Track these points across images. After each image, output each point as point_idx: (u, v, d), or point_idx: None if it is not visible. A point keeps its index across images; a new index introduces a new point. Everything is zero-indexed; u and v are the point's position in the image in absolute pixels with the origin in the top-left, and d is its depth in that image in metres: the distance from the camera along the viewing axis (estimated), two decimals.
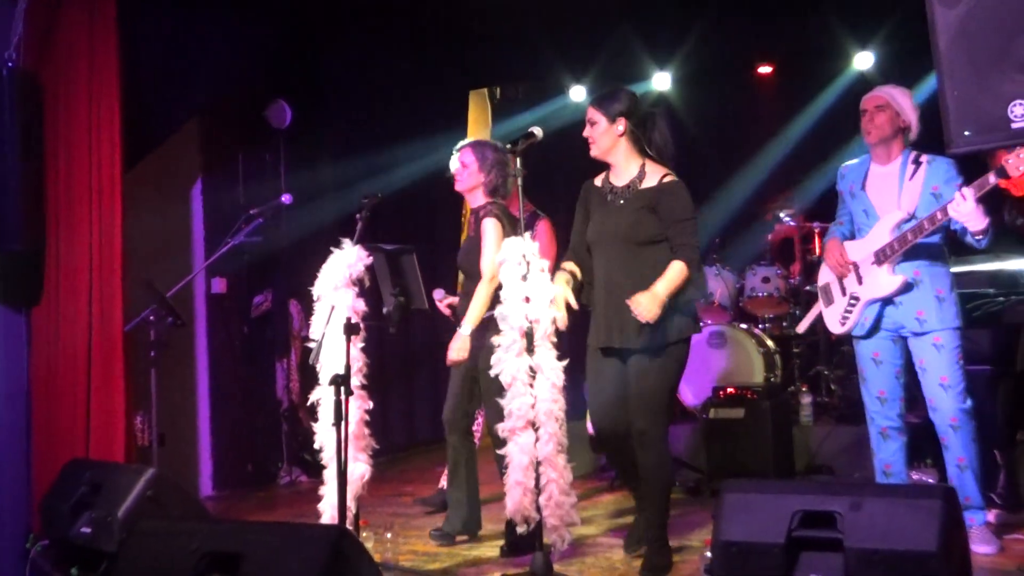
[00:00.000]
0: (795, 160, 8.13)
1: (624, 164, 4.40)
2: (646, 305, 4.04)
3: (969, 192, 4.05)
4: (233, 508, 6.37)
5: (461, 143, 5.08)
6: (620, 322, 4.23)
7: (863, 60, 7.91)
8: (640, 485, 4.45)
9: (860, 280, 4.54)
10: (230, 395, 7.09)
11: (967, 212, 4.06)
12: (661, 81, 8.56)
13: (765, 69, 8.65)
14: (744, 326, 6.89)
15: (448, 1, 7.29)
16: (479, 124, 9.43)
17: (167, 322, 5.42)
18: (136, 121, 5.79)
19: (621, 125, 4.35)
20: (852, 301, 4.57)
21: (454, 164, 5.03)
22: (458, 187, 5.02)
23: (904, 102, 4.51)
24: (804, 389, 6.62)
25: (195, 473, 6.90)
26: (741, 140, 8.62)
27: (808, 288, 7.12)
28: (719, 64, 8.53)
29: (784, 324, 7.26)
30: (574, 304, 4.32)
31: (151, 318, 5.38)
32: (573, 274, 4.43)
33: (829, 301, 4.73)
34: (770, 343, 6.85)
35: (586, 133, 4.40)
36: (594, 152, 4.42)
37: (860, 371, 4.63)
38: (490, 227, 4.84)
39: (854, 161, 4.75)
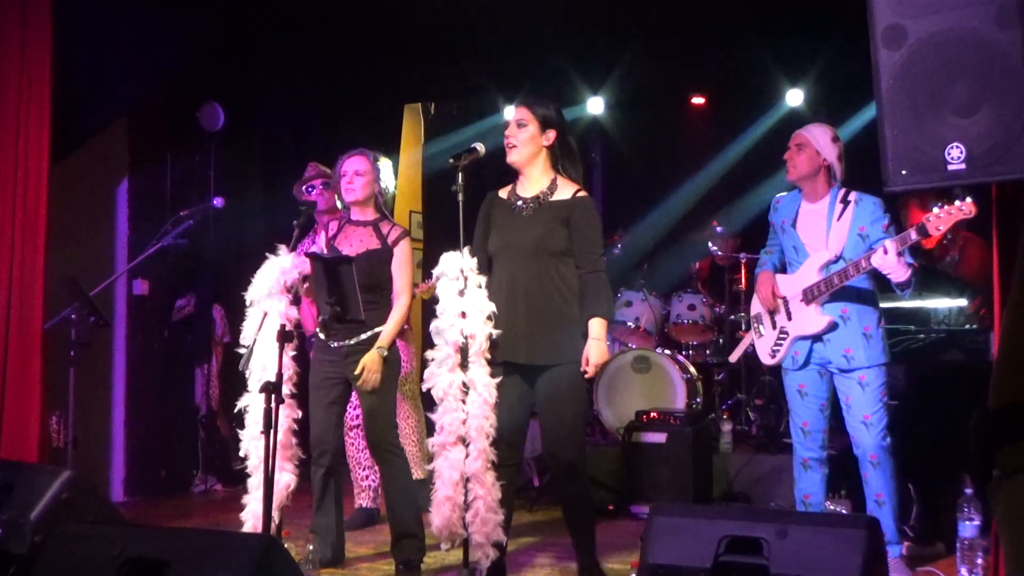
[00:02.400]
0: (725, 190, 8.28)
1: (537, 176, 4.35)
2: (597, 357, 4.12)
3: (891, 246, 4.18)
4: (146, 515, 6.22)
5: (350, 152, 4.85)
6: (528, 336, 4.20)
7: (794, 97, 8.07)
8: (568, 517, 4.43)
9: (789, 316, 4.63)
10: (147, 399, 6.95)
11: (889, 264, 4.20)
12: (594, 106, 8.63)
13: (698, 100, 8.80)
14: (668, 352, 6.97)
15: (386, 15, 7.26)
16: (411, 139, 9.43)
17: (89, 322, 5.31)
18: (64, 115, 5.66)
19: (551, 136, 4.32)
20: (782, 335, 4.67)
21: (350, 168, 4.77)
22: (350, 197, 4.75)
23: (824, 141, 4.60)
24: (725, 417, 6.72)
25: (107, 478, 6.74)
26: (673, 167, 8.75)
27: (732, 317, 7.23)
28: (652, 92, 8.65)
29: (707, 352, 7.37)
30: None
31: (73, 317, 5.28)
32: None
33: (760, 333, 4.81)
34: (693, 370, 6.93)
35: (511, 134, 4.30)
36: (513, 157, 4.30)
37: (788, 402, 4.74)
38: (408, 247, 4.77)
39: (786, 194, 4.85)
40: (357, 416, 5.45)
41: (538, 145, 4.31)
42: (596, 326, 4.17)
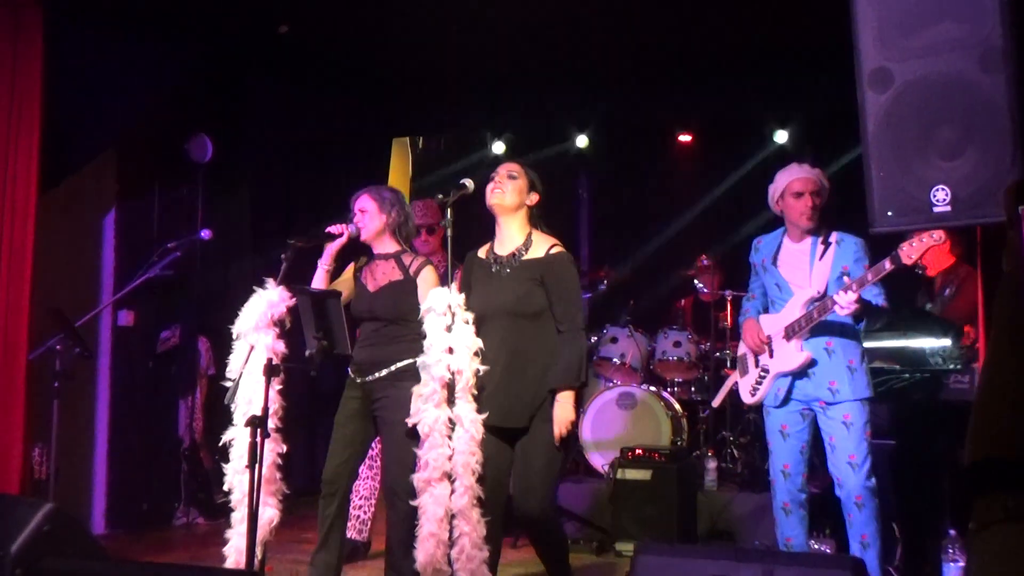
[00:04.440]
0: (712, 227, 8.33)
1: (515, 230, 4.37)
2: (560, 422, 4.13)
3: (854, 286, 4.22)
4: (127, 548, 6.17)
5: (360, 191, 4.87)
6: (509, 400, 4.21)
7: (781, 136, 8.15)
8: (541, 556, 4.42)
9: (771, 353, 4.66)
10: (130, 431, 6.91)
11: (847, 302, 4.22)
12: (581, 142, 8.69)
13: (685, 137, 8.87)
14: (653, 389, 6.97)
15: (375, 49, 7.32)
16: (399, 172, 9.46)
17: (74, 352, 5.29)
18: (52, 146, 5.68)
19: (534, 198, 4.38)
20: (763, 373, 4.69)
21: (356, 206, 4.79)
22: (364, 236, 4.75)
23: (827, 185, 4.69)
24: (710, 454, 6.71)
25: (88, 510, 6.68)
26: (659, 204, 8.81)
27: (718, 354, 7.25)
28: (639, 129, 8.74)
29: (692, 389, 7.37)
30: None
31: (57, 347, 5.25)
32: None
33: (744, 371, 4.83)
34: (678, 407, 6.93)
35: (501, 182, 4.33)
36: (496, 200, 4.31)
37: (768, 442, 4.75)
38: (433, 274, 4.70)
39: (768, 235, 4.89)
40: None
41: (522, 200, 4.35)
42: (563, 394, 4.16)
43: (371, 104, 8.26)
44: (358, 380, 4.64)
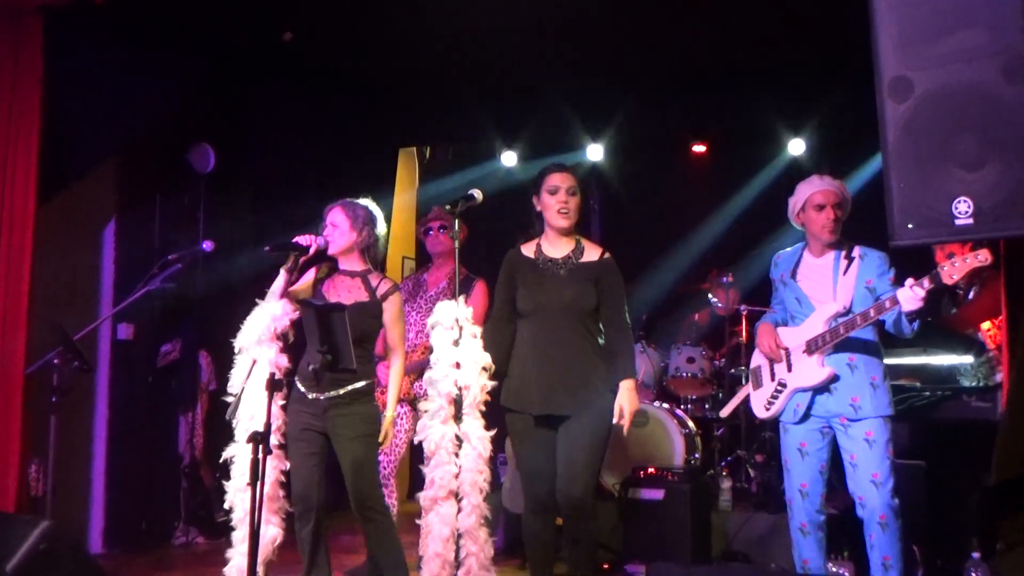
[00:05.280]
0: (727, 240, 8.32)
1: (568, 238, 4.60)
2: (631, 404, 4.42)
3: (921, 287, 4.15)
4: (125, 568, 6.17)
5: (333, 203, 4.87)
6: (560, 389, 4.38)
7: (796, 146, 8.14)
8: (571, 554, 4.49)
9: (790, 367, 4.64)
10: (129, 447, 6.90)
11: (915, 300, 4.16)
12: (594, 152, 8.68)
13: (699, 148, 8.86)
14: (666, 406, 6.96)
15: (380, 56, 7.33)
16: (406, 182, 9.46)
17: (72, 366, 5.29)
18: (51, 155, 5.68)
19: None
20: (779, 387, 4.66)
21: (329, 219, 4.81)
22: (331, 251, 4.75)
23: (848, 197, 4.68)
24: (724, 473, 6.69)
25: (85, 528, 6.67)
26: (674, 217, 8.80)
27: (732, 371, 7.24)
28: (653, 139, 8.74)
29: (706, 406, 7.36)
30: None
31: (55, 361, 5.25)
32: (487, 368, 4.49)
33: (758, 384, 4.81)
34: (692, 424, 6.91)
35: (568, 202, 4.53)
36: (565, 223, 4.55)
37: (784, 460, 4.72)
38: (399, 301, 4.74)
39: (788, 249, 4.87)
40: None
41: (581, 213, 4.62)
42: (627, 383, 4.47)
43: (377, 113, 8.28)
44: (310, 396, 4.59)
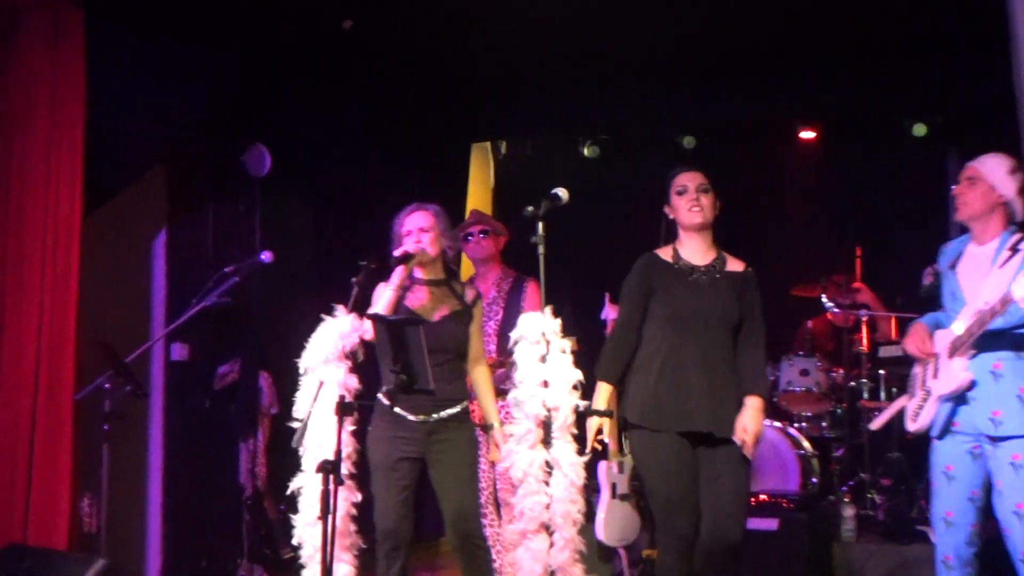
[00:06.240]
0: (843, 238, 8.18)
1: (707, 246, 4.72)
2: (755, 426, 4.46)
3: None
4: None
5: (410, 208, 4.94)
6: (702, 404, 4.43)
7: (918, 130, 8.00)
8: None
9: (935, 373, 4.52)
10: (185, 478, 6.99)
11: None
12: (689, 143, 8.63)
13: (807, 134, 8.76)
14: (778, 424, 6.88)
15: (449, 44, 7.34)
16: (479, 182, 9.48)
17: (124, 391, 5.39)
18: (97, 163, 5.78)
19: (718, 206, 4.71)
20: (925, 396, 4.56)
21: (413, 224, 4.85)
22: (432, 249, 4.81)
23: (1000, 174, 4.45)
24: (846, 500, 6.59)
25: (141, 566, 6.79)
26: (779, 212, 8.70)
27: (852, 384, 7.13)
28: (754, 126, 8.66)
29: (824, 424, 7.26)
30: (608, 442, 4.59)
31: (106, 386, 5.35)
32: (610, 415, 4.54)
33: (912, 394, 4.70)
34: (807, 445, 6.83)
35: (696, 199, 4.64)
36: (700, 219, 4.65)
37: (931, 482, 4.60)
38: (482, 309, 4.87)
39: (956, 239, 4.73)
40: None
41: (714, 213, 4.70)
42: (756, 401, 4.53)
43: (446, 105, 8.29)
44: (413, 418, 4.63)
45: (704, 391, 4.47)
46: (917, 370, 4.70)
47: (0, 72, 5.55)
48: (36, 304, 5.42)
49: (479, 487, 4.76)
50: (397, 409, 4.63)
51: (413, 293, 4.79)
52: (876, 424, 5.33)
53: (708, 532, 4.34)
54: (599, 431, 4.45)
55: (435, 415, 4.61)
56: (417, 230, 4.80)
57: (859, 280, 7.55)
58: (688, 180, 4.67)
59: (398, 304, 4.70)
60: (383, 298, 4.66)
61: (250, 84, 7.06)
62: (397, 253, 4.72)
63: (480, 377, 4.81)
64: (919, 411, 4.57)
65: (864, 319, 7.18)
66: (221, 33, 6.67)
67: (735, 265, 4.73)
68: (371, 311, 4.62)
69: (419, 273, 4.82)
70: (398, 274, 4.68)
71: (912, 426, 4.64)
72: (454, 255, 4.95)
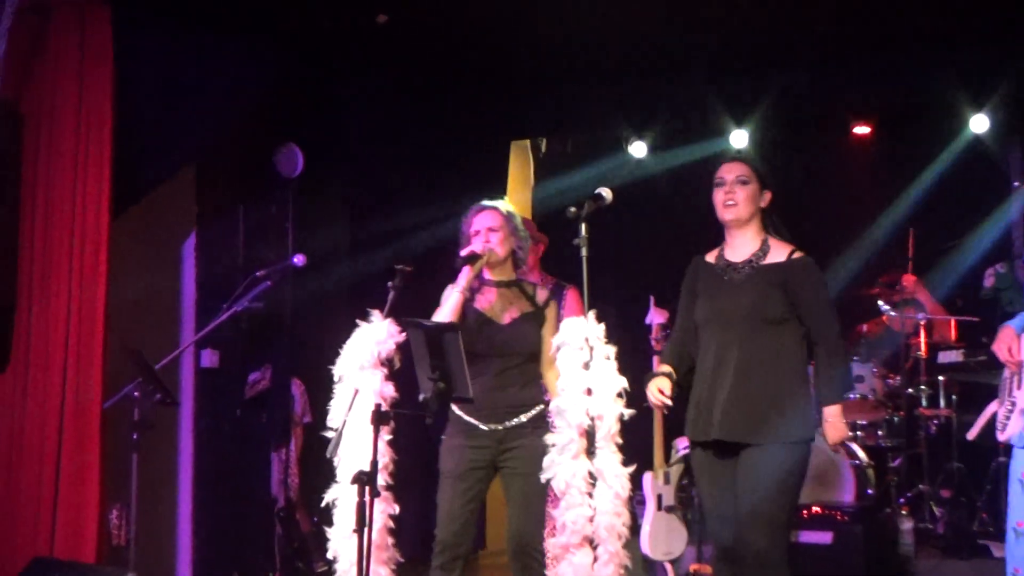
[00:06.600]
0: (899, 238, 8.13)
1: (749, 239, 4.49)
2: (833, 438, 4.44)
3: None
4: None
5: (477, 207, 4.88)
6: (737, 411, 4.26)
7: (979, 123, 7.92)
8: None
9: (1020, 383, 4.48)
10: (216, 489, 7.05)
11: None
12: (738, 139, 8.59)
13: (862, 129, 8.70)
14: None
15: (486, 38, 7.35)
16: (519, 180, 9.49)
17: (154, 399, 5.42)
18: (125, 164, 5.83)
19: (767, 197, 4.48)
20: (1011, 405, 4.51)
21: (482, 224, 4.81)
22: (501, 249, 4.76)
23: None
24: (904, 512, 6.55)
25: None
26: (832, 209, 8.64)
27: (910, 391, 7.08)
28: (807, 121, 8.62)
29: (880, 433, 7.21)
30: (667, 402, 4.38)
31: (135, 394, 5.38)
32: (670, 376, 4.45)
33: (1001, 400, 4.66)
34: (863, 455, 6.79)
35: (732, 192, 4.44)
36: (731, 215, 4.44)
37: (1009, 491, 4.57)
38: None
39: None
40: None
41: (756, 205, 4.47)
42: (828, 412, 4.45)
43: (485, 103, 8.31)
44: (484, 427, 4.61)
45: (735, 396, 4.28)
46: (1007, 374, 4.65)
47: (27, 71, 5.58)
48: (63, 309, 5.48)
49: (547, 497, 4.62)
50: (468, 418, 4.60)
51: (482, 295, 4.76)
52: (972, 434, 5.26)
53: (736, 540, 4.27)
54: (660, 391, 4.36)
55: (507, 423, 4.58)
56: (486, 229, 4.77)
57: (910, 270, 7.42)
58: (726, 172, 4.49)
59: (465, 306, 4.66)
60: (449, 300, 4.63)
61: (282, 82, 7.10)
62: (464, 253, 4.69)
63: (555, 380, 4.71)
64: (1007, 421, 4.53)
65: (922, 323, 7.12)
66: (253, 30, 6.71)
67: (778, 254, 4.44)
68: (435, 314, 4.60)
69: (487, 274, 4.81)
70: (464, 275, 4.64)
71: (1000, 436, 4.59)
72: (525, 255, 4.89)
